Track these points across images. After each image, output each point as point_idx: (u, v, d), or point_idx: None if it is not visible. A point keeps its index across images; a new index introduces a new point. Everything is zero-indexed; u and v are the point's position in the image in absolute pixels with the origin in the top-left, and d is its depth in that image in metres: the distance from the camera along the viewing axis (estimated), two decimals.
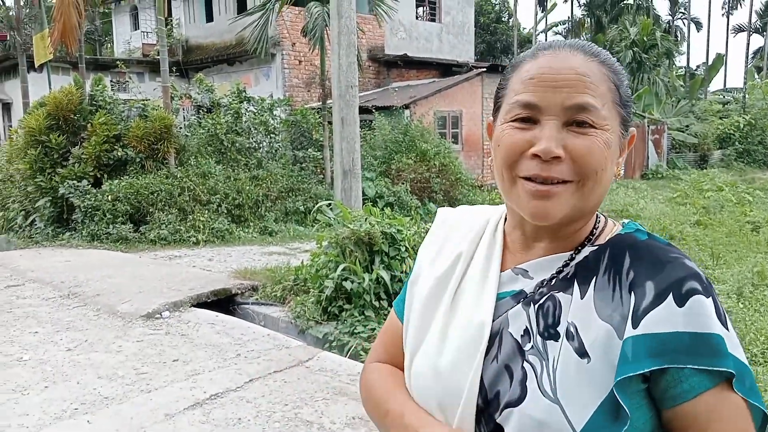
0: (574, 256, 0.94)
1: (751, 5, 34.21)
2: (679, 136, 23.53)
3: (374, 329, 5.11)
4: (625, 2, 34.51)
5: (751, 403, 0.82)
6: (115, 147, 10.31)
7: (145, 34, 20.81)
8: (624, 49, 27.45)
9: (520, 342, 0.91)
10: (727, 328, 0.83)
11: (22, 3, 15.89)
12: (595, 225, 0.97)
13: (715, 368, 0.80)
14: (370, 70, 18.36)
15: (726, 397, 0.82)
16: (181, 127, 11.90)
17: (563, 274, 0.93)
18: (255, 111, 12.62)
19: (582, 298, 0.88)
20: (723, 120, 25.75)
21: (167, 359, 4.61)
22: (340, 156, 9.17)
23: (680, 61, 38.78)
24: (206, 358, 4.63)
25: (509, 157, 0.91)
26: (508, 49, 38.21)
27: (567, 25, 39.12)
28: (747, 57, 33.65)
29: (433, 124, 14.71)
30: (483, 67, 16.91)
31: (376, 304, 5.41)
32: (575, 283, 0.91)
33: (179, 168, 10.72)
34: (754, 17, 36.88)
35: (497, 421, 0.88)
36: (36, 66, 13.40)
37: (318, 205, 9.53)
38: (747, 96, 29.18)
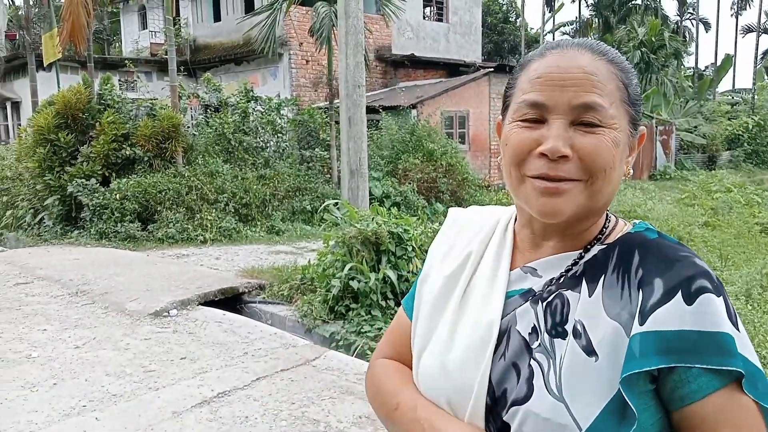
0: (583, 254, 0.94)
1: (761, 6, 34.07)
2: (688, 136, 23.42)
3: (381, 329, 5.12)
4: (633, 2, 34.39)
5: (763, 406, 0.80)
6: (124, 146, 10.37)
7: (153, 33, 20.89)
8: (632, 49, 27.35)
9: (527, 340, 0.91)
10: (738, 328, 0.81)
11: (31, 2, 16.00)
12: (604, 224, 0.97)
13: (723, 368, 0.79)
14: (377, 70, 18.37)
15: (735, 398, 0.80)
16: (188, 127, 11.95)
17: (572, 272, 0.93)
18: (262, 110, 12.66)
19: (590, 296, 0.88)
20: (732, 121, 25.64)
21: (175, 357, 4.63)
22: (347, 155, 9.19)
23: (689, 61, 38.63)
24: (213, 356, 4.64)
25: (517, 156, 0.92)
26: (516, 50, 38.14)
27: (575, 25, 39.04)
28: (756, 57, 33.51)
29: (440, 124, 14.70)
30: (490, 67, 16.87)
31: (383, 303, 5.41)
32: (584, 281, 0.91)
33: (187, 167, 10.76)
34: (764, 18, 36.67)
35: (504, 419, 0.88)
36: (45, 65, 13.48)
37: (325, 204, 9.54)
38: (756, 97, 29.07)
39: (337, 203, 8.68)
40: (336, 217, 7.79)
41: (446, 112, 15.19)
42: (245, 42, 16.70)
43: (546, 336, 0.89)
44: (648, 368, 0.80)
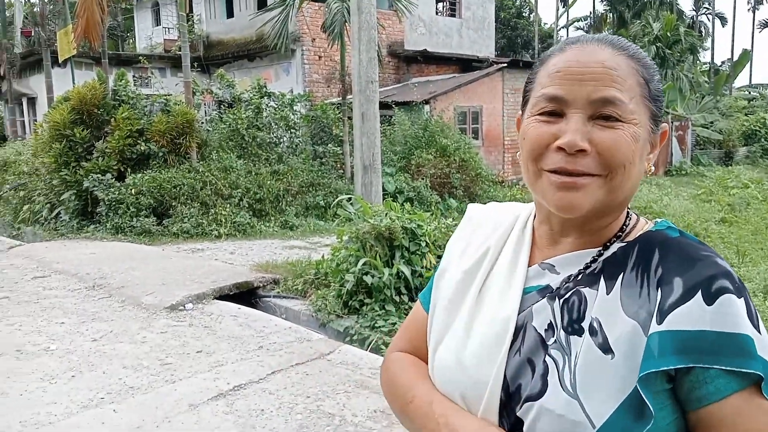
0: (602, 251, 0.93)
1: None
2: (704, 132, 23.21)
3: (395, 324, 5.13)
4: None
5: None
6: (138, 141, 10.44)
7: (167, 29, 20.99)
8: (647, 44, 27.10)
9: (543, 336, 0.90)
10: (759, 330, 0.80)
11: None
12: (625, 222, 0.96)
13: (742, 370, 0.78)
14: (389, 66, 18.34)
15: (754, 401, 0.79)
16: (202, 122, 12.01)
17: (590, 269, 0.92)
18: (275, 106, 12.69)
19: (608, 294, 0.87)
20: (748, 116, 25.37)
21: (191, 350, 4.67)
22: (360, 151, 9.19)
23: (705, 56, 38.24)
24: (229, 350, 4.68)
25: (534, 150, 0.91)
26: (529, 45, 37.95)
27: (589, 20, 38.78)
28: None
29: (453, 119, 14.66)
30: (503, 63, 16.78)
31: (397, 298, 5.42)
32: (602, 278, 0.90)
33: (201, 162, 10.82)
34: None
35: (518, 414, 0.88)
36: (60, 61, 13.62)
37: (338, 199, 9.56)
38: None
39: (350, 199, 8.70)
40: (349, 212, 7.81)
41: (459, 108, 15.14)
42: (258, 38, 16.73)
43: (562, 333, 0.89)
44: (665, 368, 0.79)
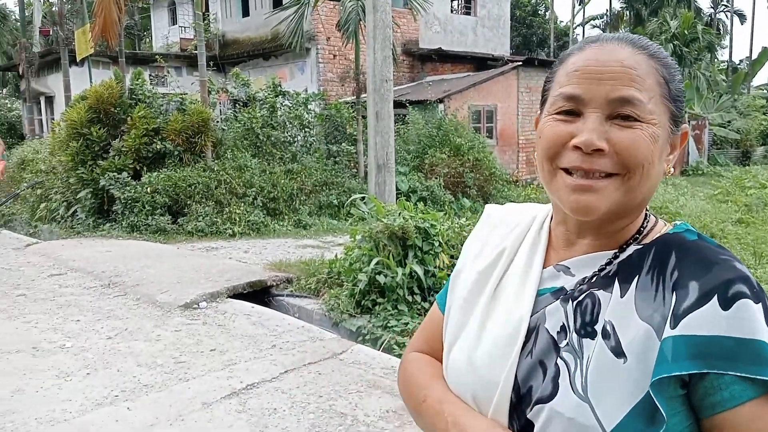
0: (618, 254, 0.92)
1: None
2: (721, 131, 22.96)
3: (407, 324, 5.12)
4: None
5: None
6: (154, 140, 10.51)
7: (183, 29, 21.13)
8: (664, 42, 26.84)
9: (555, 338, 0.90)
10: None
11: None
12: (642, 224, 0.95)
13: (758, 377, 0.76)
14: (404, 64, 18.32)
15: None
16: (217, 121, 12.07)
17: (605, 271, 0.91)
18: (290, 105, 12.73)
19: (622, 297, 0.87)
20: (767, 115, 25.04)
21: (204, 349, 4.70)
22: (374, 150, 9.19)
23: (723, 54, 37.83)
24: (242, 349, 4.70)
25: (550, 149, 0.91)
26: (545, 43, 37.74)
27: (605, 18, 38.48)
28: None
29: (468, 118, 14.61)
30: (519, 61, 16.70)
31: (410, 298, 5.41)
32: (616, 281, 0.89)
33: (216, 161, 10.88)
34: None
35: (528, 416, 0.88)
36: (77, 60, 13.75)
37: (351, 198, 9.58)
38: None
39: (363, 198, 8.71)
40: (363, 211, 7.82)
41: (474, 107, 15.09)
42: (273, 37, 16.79)
43: (574, 335, 0.88)
44: (679, 373, 0.78)
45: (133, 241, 9.16)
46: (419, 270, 5.44)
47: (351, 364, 4.39)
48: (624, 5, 36.91)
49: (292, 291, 6.41)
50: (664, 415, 0.78)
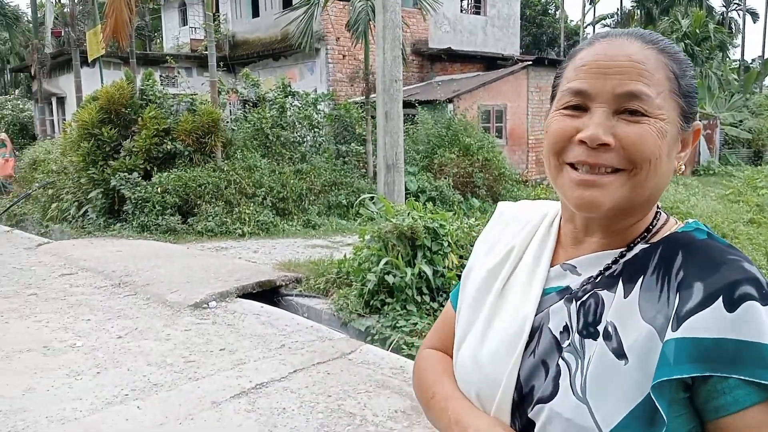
0: (624, 253, 0.91)
1: None
2: (732, 131, 22.78)
3: (416, 324, 5.12)
4: None
5: None
6: (165, 140, 10.56)
7: (193, 29, 21.23)
8: (675, 41, 26.63)
9: (558, 338, 0.90)
10: None
11: (76, 0, 16.38)
12: (652, 222, 0.93)
13: (763, 381, 0.74)
14: (413, 64, 18.30)
15: None
16: (227, 121, 12.11)
17: (610, 271, 0.90)
18: (299, 105, 12.75)
19: (625, 297, 0.86)
20: None
21: (214, 348, 4.71)
22: (383, 150, 9.20)
23: (735, 53, 37.54)
24: (251, 348, 4.71)
25: (556, 143, 0.90)
26: (555, 42, 37.61)
27: (615, 17, 38.30)
28: None
29: (477, 118, 14.58)
30: (528, 61, 16.64)
31: (419, 298, 5.41)
32: (620, 281, 0.88)
33: (226, 161, 10.92)
34: None
35: (529, 416, 0.88)
36: (89, 61, 13.84)
37: (360, 198, 9.60)
38: None
39: (372, 198, 8.72)
40: (372, 211, 7.83)
41: (483, 106, 15.05)
42: (283, 37, 16.83)
43: (576, 336, 0.88)
44: (680, 376, 0.77)
45: (144, 240, 9.21)
46: (428, 270, 5.44)
47: (360, 364, 4.39)
48: (635, 4, 36.73)
49: (301, 291, 6.42)
50: (665, 418, 0.77)
